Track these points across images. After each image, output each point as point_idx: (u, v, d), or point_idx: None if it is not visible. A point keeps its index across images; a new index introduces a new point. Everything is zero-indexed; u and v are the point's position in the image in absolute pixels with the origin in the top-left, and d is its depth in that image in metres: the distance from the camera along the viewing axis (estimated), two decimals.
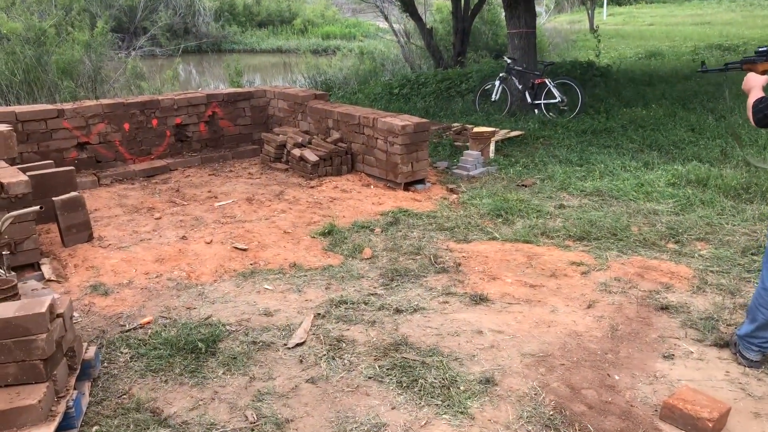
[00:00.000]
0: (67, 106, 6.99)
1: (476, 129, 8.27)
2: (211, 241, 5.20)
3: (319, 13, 35.61)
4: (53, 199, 5.04)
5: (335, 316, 3.98)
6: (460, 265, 4.77)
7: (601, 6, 28.43)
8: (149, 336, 3.74)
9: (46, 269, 4.65)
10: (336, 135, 7.19)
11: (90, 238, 5.19)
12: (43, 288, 3.55)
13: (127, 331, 3.83)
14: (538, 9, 29.58)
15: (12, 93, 11.75)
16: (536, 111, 10.05)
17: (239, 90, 8.27)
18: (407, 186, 6.73)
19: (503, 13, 12.05)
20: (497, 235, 5.36)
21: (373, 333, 3.76)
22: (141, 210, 6.04)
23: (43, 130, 6.71)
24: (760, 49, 3.47)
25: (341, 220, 5.79)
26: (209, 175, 7.19)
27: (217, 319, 3.96)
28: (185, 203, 6.21)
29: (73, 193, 5.12)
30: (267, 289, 4.45)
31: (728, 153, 7.25)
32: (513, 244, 5.19)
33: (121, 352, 3.59)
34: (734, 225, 5.35)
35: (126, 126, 7.24)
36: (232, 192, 6.51)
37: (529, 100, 10.12)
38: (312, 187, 6.63)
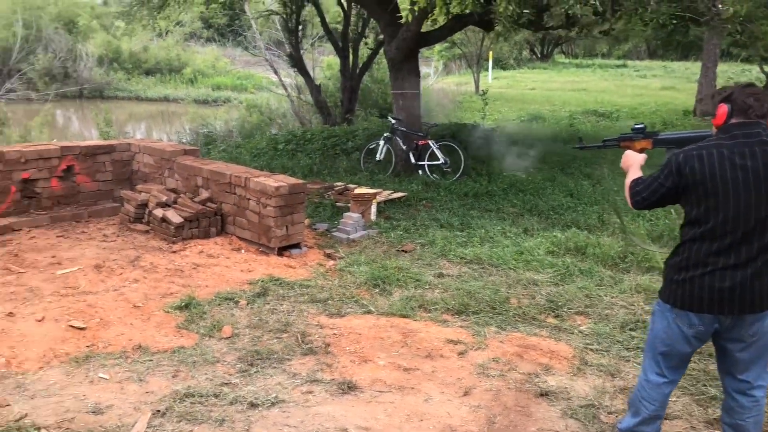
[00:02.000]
0: None
1: (357, 190, 7.98)
2: (44, 318, 4.48)
3: (210, 63, 34.95)
4: None
5: (177, 414, 3.41)
6: (329, 345, 4.32)
7: (487, 69, 29.58)
8: None
9: None
10: (205, 194, 6.64)
11: None
12: None
13: None
14: (426, 70, 30.42)
15: None
16: (420, 172, 9.92)
17: (100, 143, 7.57)
18: (281, 251, 6.25)
19: None
20: (372, 309, 4.97)
21: None
22: None
23: None
24: (636, 126, 3.34)
25: (203, 290, 5.22)
26: (57, 236, 6.39)
27: (32, 421, 3.28)
28: (22, 271, 5.41)
29: None
30: (102, 378, 3.81)
31: (605, 220, 7.32)
32: (389, 318, 4.82)
33: None
34: (612, 297, 5.26)
35: None
36: (80, 257, 5.77)
37: (413, 160, 10.00)
38: (174, 252, 6.01)
